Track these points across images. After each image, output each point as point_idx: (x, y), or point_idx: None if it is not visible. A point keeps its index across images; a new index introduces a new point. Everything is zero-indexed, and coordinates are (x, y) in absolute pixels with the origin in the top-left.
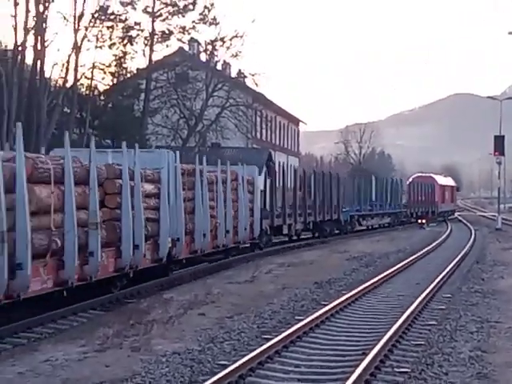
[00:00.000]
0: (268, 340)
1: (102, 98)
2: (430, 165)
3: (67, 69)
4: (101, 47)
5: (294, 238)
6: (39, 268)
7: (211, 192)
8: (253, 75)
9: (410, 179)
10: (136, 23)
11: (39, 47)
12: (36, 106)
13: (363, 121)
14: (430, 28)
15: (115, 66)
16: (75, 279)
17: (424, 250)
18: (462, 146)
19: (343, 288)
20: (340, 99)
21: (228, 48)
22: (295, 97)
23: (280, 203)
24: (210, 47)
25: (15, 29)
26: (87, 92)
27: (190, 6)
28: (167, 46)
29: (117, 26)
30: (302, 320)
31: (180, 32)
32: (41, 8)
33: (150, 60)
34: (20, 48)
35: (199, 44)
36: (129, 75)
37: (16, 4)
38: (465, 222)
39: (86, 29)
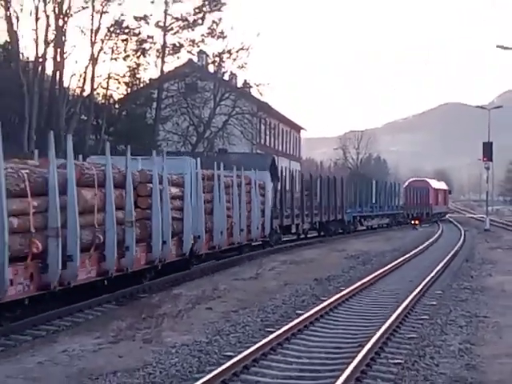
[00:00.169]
0: (271, 333)
1: (116, 106)
2: (422, 169)
3: (84, 79)
4: (116, 59)
5: (302, 236)
6: (85, 260)
7: (227, 195)
8: (257, 85)
9: (407, 183)
10: (149, 36)
11: (58, 59)
12: (55, 114)
13: (361, 128)
14: (430, 28)
15: (129, 76)
16: (114, 270)
17: (417, 249)
18: (452, 152)
19: (341, 284)
20: (339, 107)
21: (234, 60)
22: (296, 103)
23: (289, 205)
24: (217, 59)
25: (36, 42)
26: (103, 101)
27: (199, 21)
28: (178, 57)
29: (131, 39)
30: (302, 314)
31: (190, 45)
32: (60, 22)
33: (162, 71)
34: (41, 60)
35: (207, 56)
36: (142, 85)
37: (37, 19)
38: (455, 223)
39: (102, 42)
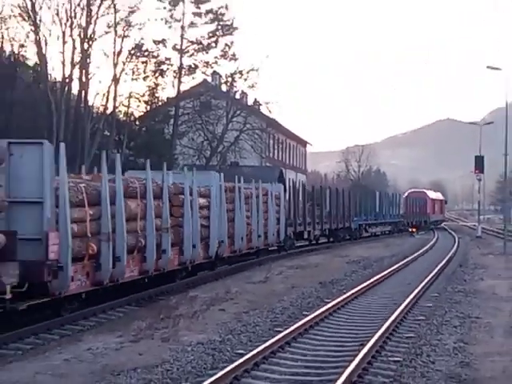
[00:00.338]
0: (279, 332)
1: (137, 122)
2: (419, 181)
3: (107, 98)
4: (136, 79)
5: (313, 242)
6: (130, 260)
7: (247, 204)
8: (266, 103)
9: (406, 194)
10: (166, 59)
11: (84, 79)
12: (81, 130)
13: (362, 143)
14: (430, 28)
15: (148, 95)
16: (153, 270)
17: (414, 255)
18: (446, 165)
19: (344, 287)
20: (342, 123)
21: (245, 80)
22: (302, 119)
23: (301, 213)
24: (229, 79)
25: (63, 64)
26: (124, 118)
27: (213, 44)
28: (193, 78)
29: (150, 61)
30: (308, 315)
31: (204, 66)
32: (85, 46)
33: (179, 90)
34: (67, 80)
35: (220, 76)
36: (160, 103)
37: (64, 42)
38: (449, 230)
39: (124, 63)
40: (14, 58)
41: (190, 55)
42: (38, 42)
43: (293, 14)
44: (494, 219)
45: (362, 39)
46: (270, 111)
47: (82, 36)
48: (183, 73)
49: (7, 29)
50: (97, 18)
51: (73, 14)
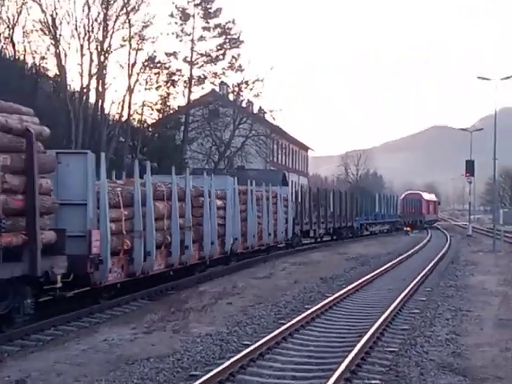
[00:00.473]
0: (283, 324)
1: (150, 129)
2: (413, 183)
3: (122, 106)
4: (149, 89)
5: (318, 240)
6: (158, 255)
7: (258, 205)
8: (271, 111)
9: (403, 195)
10: (177, 70)
11: (100, 89)
12: (97, 136)
13: (360, 147)
14: (430, 28)
15: (161, 104)
16: (177, 263)
17: (409, 252)
18: (439, 168)
19: (343, 282)
20: (341, 127)
21: (251, 89)
22: (304, 124)
23: (307, 213)
24: (236, 89)
25: (81, 75)
26: (138, 125)
27: (221, 56)
28: (202, 88)
29: (162, 72)
30: (310, 308)
31: (212, 77)
32: (102, 58)
33: (189, 99)
34: (85, 90)
35: (228, 86)
36: (171, 111)
37: (82, 55)
38: (442, 229)
39: (138, 74)
40: (36, 69)
41: (200, 66)
42: (57, 55)
43: (293, 14)
44: (483, 219)
45: (362, 39)
46: (273, 118)
47: (99, 49)
48: (193, 83)
49: (29, 42)
50: (113, 32)
51: (90, 29)
